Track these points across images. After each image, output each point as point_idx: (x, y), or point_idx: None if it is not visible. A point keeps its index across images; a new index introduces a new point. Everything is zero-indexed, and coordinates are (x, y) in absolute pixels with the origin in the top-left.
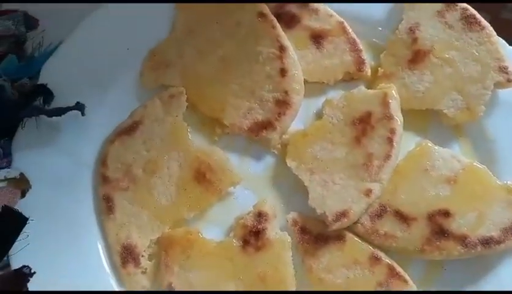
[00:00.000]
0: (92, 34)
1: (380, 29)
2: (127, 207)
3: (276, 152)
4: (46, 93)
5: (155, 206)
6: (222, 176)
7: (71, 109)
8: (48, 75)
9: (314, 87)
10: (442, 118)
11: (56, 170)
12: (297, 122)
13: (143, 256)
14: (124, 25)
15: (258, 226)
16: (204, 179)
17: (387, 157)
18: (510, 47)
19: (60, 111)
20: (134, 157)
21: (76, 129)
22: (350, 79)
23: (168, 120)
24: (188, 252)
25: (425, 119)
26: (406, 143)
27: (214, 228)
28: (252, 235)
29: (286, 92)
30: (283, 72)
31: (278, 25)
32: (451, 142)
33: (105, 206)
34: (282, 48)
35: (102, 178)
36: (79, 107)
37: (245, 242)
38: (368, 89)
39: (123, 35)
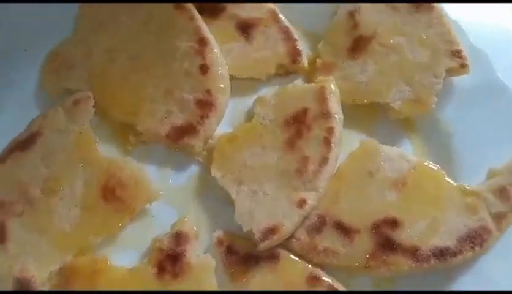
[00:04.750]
0: None
1: (317, 14)
2: (22, 235)
3: (201, 160)
4: None
5: (56, 231)
6: (135, 192)
7: None
8: None
9: (244, 84)
10: (389, 112)
11: None
12: (225, 124)
13: (41, 292)
14: (20, 24)
15: (176, 249)
16: (114, 197)
17: (324, 160)
18: (461, 24)
19: None
20: (31, 175)
21: None
22: (285, 73)
23: (72, 130)
24: (95, 283)
25: (370, 115)
26: (350, 143)
27: (127, 252)
28: (169, 260)
29: (208, 92)
30: (204, 69)
31: (197, 15)
32: (401, 140)
33: None
34: (202, 41)
35: None
36: None
37: (161, 269)
38: (306, 83)
39: (19, 35)
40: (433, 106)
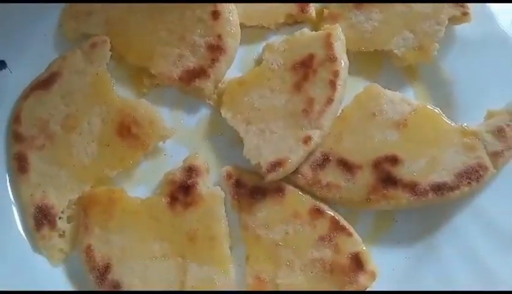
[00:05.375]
0: None
1: None
2: (43, 166)
3: (211, 103)
4: None
5: (75, 164)
6: (149, 130)
7: None
8: None
9: (253, 32)
10: (393, 60)
11: None
12: (235, 70)
13: (60, 218)
14: None
15: (188, 181)
16: (129, 134)
17: (329, 101)
18: None
19: None
20: (51, 113)
21: None
22: (293, 22)
23: (89, 71)
24: (111, 211)
25: (376, 62)
26: (355, 87)
27: (142, 187)
28: (181, 191)
29: (219, 36)
30: (215, 15)
31: None
32: (405, 86)
33: (18, 166)
34: None
35: (15, 136)
36: (1, 65)
37: (174, 199)
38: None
39: None
40: (435, 53)
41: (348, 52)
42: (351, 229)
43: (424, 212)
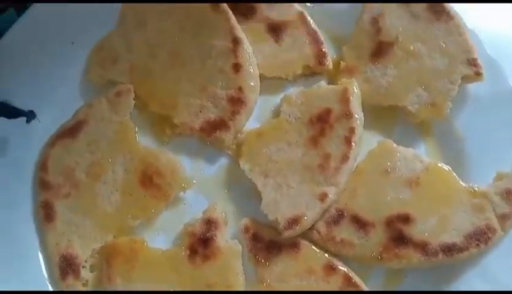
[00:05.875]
0: (34, 26)
1: (343, 18)
2: (68, 214)
3: (230, 153)
4: None
5: (99, 213)
6: (170, 180)
7: (22, 115)
8: None
9: (272, 82)
10: (407, 115)
11: None
12: (253, 120)
13: (83, 267)
14: (68, 17)
15: (207, 234)
16: (152, 184)
17: (345, 158)
18: (479, 35)
19: (11, 114)
20: (77, 161)
21: (16, 129)
22: (310, 73)
23: (114, 120)
24: (132, 262)
25: (389, 117)
26: (369, 142)
27: (161, 236)
28: (201, 244)
29: (240, 89)
30: (237, 67)
31: (232, 16)
32: (417, 142)
33: (44, 214)
34: (235, 41)
35: (42, 184)
36: (30, 115)
37: (193, 251)
38: (330, 84)
39: (67, 28)
40: (448, 111)
41: (362, 105)
42: (363, 286)
43: (433, 270)
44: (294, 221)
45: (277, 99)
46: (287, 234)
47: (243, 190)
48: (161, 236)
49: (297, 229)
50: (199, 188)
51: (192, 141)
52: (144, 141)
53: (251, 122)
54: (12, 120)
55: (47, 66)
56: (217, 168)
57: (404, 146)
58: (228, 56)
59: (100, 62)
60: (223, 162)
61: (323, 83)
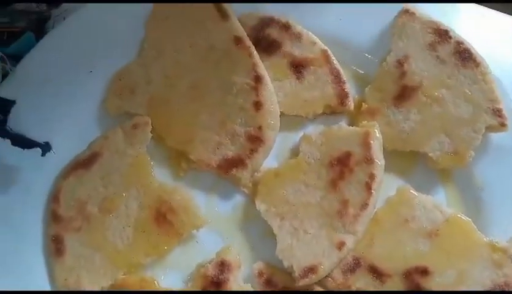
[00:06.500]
0: (51, 54)
1: (367, 57)
2: (79, 249)
3: (246, 191)
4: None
5: (110, 248)
6: (184, 218)
7: (37, 146)
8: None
9: (292, 120)
10: (428, 161)
11: (4, 204)
12: (271, 158)
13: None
14: (86, 45)
15: (220, 277)
16: (165, 221)
17: (364, 206)
18: (504, 84)
19: (25, 144)
20: (90, 194)
21: (29, 159)
22: (331, 112)
23: (129, 153)
24: None
25: (409, 162)
26: (388, 186)
27: (173, 274)
28: (213, 286)
29: (260, 128)
30: (257, 105)
31: (255, 52)
32: (437, 188)
33: (55, 248)
34: (258, 79)
35: (53, 216)
36: (45, 147)
37: None
38: (350, 124)
39: (86, 57)
40: (470, 159)
41: (383, 149)
42: None
43: None
44: (310, 270)
45: (296, 137)
46: (302, 282)
47: (258, 230)
48: (172, 273)
49: (313, 278)
50: (213, 226)
51: (208, 176)
52: (159, 175)
53: (269, 161)
54: (27, 150)
55: (64, 94)
56: (232, 205)
57: (423, 192)
58: (249, 93)
59: (118, 92)
60: (238, 199)
61: (343, 124)
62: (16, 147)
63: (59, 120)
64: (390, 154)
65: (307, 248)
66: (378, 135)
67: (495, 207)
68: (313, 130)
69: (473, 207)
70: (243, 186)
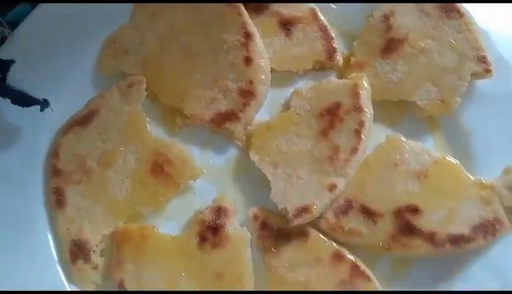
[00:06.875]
0: (47, 18)
1: (354, 15)
2: (79, 201)
3: (240, 144)
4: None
5: (110, 200)
6: (181, 169)
7: (36, 104)
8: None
9: (282, 76)
10: (415, 110)
11: (5, 161)
12: (263, 113)
13: (94, 251)
14: (81, 10)
15: (217, 222)
16: (162, 173)
17: (354, 150)
18: (490, 34)
19: (25, 102)
20: (88, 149)
21: (29, 117)
22: (320, 68)
23: (126, 110)
24: (142, 247)
25: (398, 111)
26: (377, 135)
27: (171, 223)
28: (210, 231)
29: (251, 82)
30: (248, 61)
31: (245, 11)
32: (425, 136)
33: (56, 200)
34: (247, 35)
35: (54, 170)
36: (44, 104)
37: (203, 239)
38: (339, 79)
39: (80, 20)
40: (457, 106)
41: (372, 100)
42: (371, 275)
43: (439, 261)
44: (303, 210)
45: (287, 92)
46: (296, 222)
47: (252, 180)
48: (171, 223)
49: (307, 217)
50: (209, 178)
51: (202, 132)
52: (155, 132)
53: (261, 115)
54: (26, 109)
55: (60, 57)
56: (226, 158)
57: (412, 140)
58: (240, 49)
59: (112, 54)
60: (232, 152)
61: (333, 78)
62: (16, 106)
63: (57, 82)
64: (379, 105)
65: (300, 191)
66: (366, 85)
67: (481, 151)
68: (303, 85)
69: (461, 152)
70: (237, 139)
